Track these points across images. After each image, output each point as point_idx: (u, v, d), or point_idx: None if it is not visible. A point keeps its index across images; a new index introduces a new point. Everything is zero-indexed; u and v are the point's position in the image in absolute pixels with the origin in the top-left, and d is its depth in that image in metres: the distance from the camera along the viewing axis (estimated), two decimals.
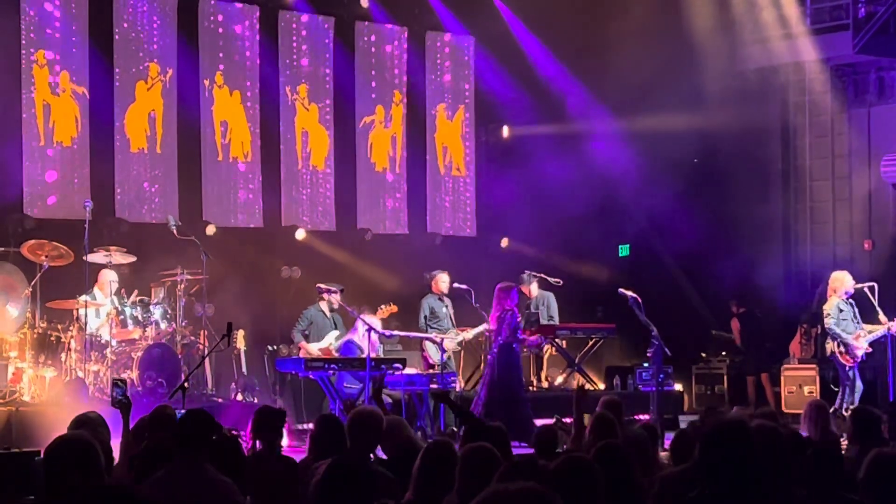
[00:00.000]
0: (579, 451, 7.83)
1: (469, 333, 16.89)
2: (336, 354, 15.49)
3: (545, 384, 17.94)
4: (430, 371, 15.85)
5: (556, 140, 19.96)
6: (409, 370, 15.17)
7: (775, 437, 6.14)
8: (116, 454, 8.19)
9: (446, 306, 16.83)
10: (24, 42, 16.26)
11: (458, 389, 16.03)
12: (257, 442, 7.86)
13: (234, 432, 8.86)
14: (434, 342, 16.31)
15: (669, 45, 18.51)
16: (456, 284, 16.69)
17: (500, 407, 14.11)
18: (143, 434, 8.05)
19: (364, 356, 14.54)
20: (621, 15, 18.49)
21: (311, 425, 8.96)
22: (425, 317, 16.75)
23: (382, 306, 15.96)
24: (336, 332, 15.94)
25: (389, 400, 14.76)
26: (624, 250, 20.80)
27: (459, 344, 17.02)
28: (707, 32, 19.35)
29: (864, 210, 20.14)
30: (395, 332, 16.56)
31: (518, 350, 15.13)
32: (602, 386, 18.18)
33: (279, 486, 7.49)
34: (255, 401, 15.27)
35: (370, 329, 14.67)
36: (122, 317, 15.02)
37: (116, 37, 17.00)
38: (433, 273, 17.02)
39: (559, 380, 17.94)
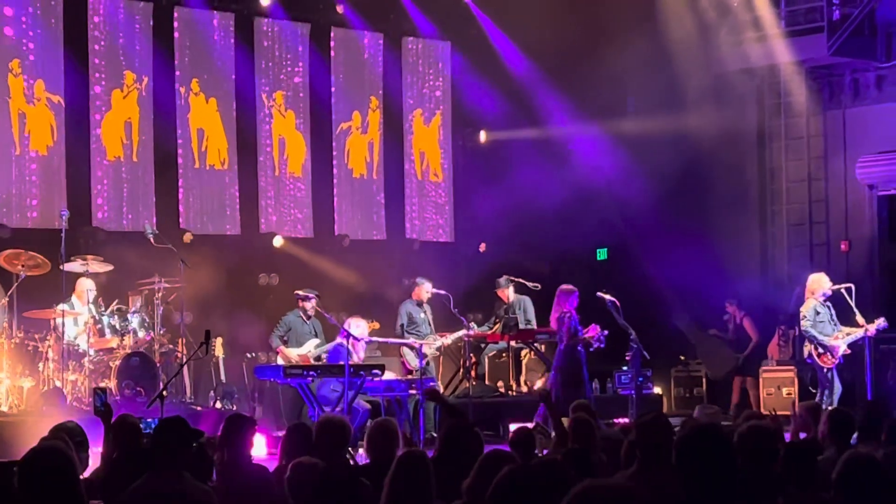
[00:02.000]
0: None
1: (448, 339, 16.89)
2: (313, 362, 15.46)
3: (524, 388, 17.92)
4: (409, 377, 15.83)
5: (533, 144, 19.97)
6: (388, 375, 15.15)
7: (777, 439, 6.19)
8: (97, 462, 8.21)
9: (424, 312, 16.83)
10: None
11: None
12: (226, 450, 7.85)
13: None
14: (413, 348, 16.30)
15: (646, 49, 18.55)
16: (434, 290, 16.70)
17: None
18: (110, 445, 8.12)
19: (351, 360, 14.48)
20: (598, 19, 18.50)
21: None
22: (402, 325, 16.72)
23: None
24: (316, 341, 15.91)
25: (366, 407, 14.75)
26: (602, 254, 20.81)
27: (438, 349, 17.02)
28: (683, 36, 19.40)
29: (840, 211, 20.19)
30: (374, 339, 16.53)
31: (582, 351, 15.10)
32: None
33: (250, 494, 7.48)
34: (234, 408, 15.26)
35: (348, 336, 14.67)
36: (99, 326, 14.98)
37: (92, 45, 16.95)
38: (416, 280, 17.00)
39: (538, 384, 17.92)
